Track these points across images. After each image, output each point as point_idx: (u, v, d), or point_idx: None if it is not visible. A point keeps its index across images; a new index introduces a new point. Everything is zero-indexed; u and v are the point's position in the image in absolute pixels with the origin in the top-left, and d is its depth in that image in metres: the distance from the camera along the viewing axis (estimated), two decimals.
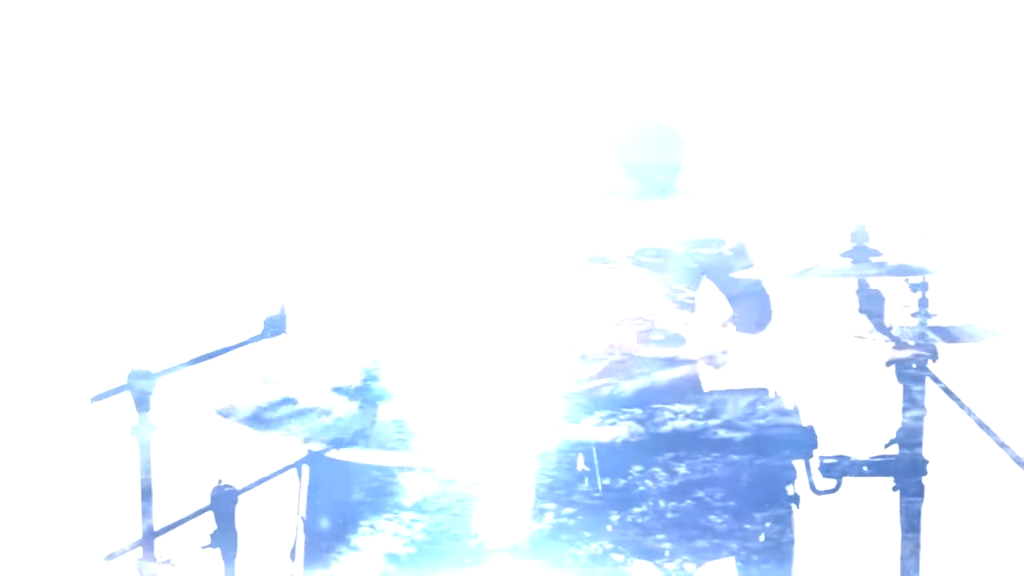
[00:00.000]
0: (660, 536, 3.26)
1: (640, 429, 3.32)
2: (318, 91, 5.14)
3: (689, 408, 3.39)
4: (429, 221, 4.50)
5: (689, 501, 3.27)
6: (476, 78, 5.08)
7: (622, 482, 3.28)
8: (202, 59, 5.12)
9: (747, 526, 3.29)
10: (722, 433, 3.31)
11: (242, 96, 5.13)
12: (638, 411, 3.37)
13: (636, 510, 3.27)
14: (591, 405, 3.46)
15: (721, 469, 3.29)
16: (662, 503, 3.27)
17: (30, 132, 4.98)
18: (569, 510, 3.27)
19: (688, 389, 3.60)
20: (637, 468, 3.29)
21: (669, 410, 3.38)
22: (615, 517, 3.27)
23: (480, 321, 3.70)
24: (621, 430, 3.31)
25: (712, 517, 3.28)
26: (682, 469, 3.28)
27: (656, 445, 3.30)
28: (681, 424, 3.33)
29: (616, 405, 3.43)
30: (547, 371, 3.59)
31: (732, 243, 3.86)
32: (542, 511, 3.28)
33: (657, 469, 3.28)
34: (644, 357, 3.66)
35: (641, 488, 3.28)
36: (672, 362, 3.66)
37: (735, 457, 3.29)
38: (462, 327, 3.69)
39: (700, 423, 3.33)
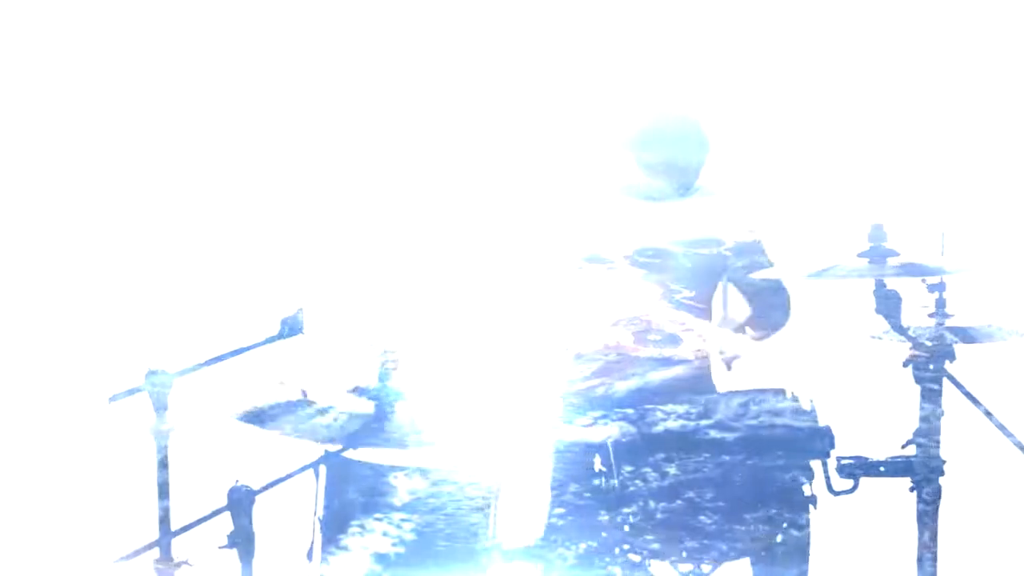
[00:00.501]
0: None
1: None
2: (333, 91, 5.15)
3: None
4: (433, 221, 4.51)
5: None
6: (485, 76, 5.08)
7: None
8: (220, 66, 5.13)
9: (757, 527, 3.28)
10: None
11: (257, 99, 5.14)
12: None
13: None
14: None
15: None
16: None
17: (50, 135, 5.00)
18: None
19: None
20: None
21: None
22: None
23: (478, 320, 3.71)
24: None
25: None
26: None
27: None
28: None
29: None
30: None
31: (746, 241, 3.84)
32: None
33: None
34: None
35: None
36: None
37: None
38: (460, 326, 3.70)
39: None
